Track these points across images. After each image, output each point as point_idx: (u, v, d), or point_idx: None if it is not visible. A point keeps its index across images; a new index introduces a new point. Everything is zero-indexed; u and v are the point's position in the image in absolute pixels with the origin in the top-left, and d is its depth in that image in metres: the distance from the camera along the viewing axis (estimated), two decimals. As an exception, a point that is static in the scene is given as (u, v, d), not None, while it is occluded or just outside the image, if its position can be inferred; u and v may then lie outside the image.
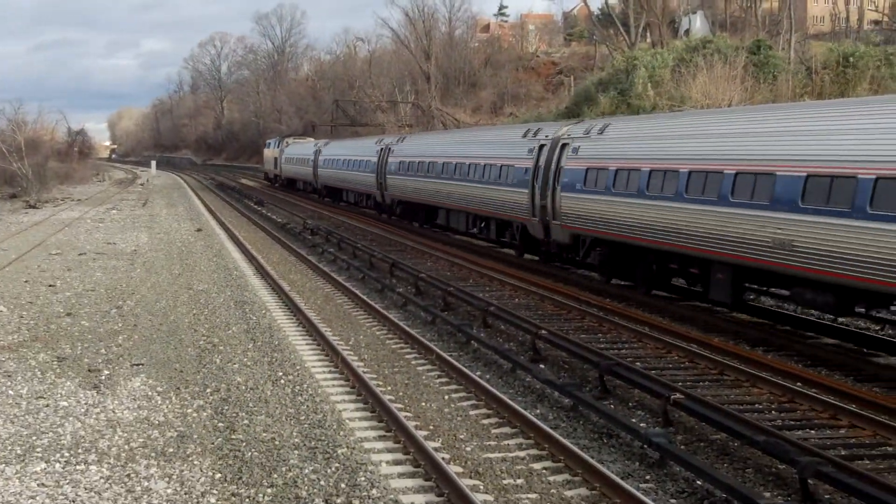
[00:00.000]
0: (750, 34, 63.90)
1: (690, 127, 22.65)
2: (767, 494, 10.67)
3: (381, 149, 48.22)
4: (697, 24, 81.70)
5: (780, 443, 11.16)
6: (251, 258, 32.05)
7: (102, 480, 11.11)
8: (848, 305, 17.29)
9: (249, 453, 12.02)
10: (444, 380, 15.95)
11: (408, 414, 13.69)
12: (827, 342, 18.46)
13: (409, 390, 15.29)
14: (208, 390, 15.15)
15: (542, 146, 28.58)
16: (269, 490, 10.74)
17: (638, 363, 16.31)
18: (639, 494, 10.14)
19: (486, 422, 13.53)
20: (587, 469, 11.10)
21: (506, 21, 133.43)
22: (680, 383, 14.79)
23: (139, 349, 18.23)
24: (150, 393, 15.03)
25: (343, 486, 10.82)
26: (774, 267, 17.97)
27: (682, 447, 12.17)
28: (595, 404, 13.66)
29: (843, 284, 16.39)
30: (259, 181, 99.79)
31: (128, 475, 11.28)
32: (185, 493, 10.68)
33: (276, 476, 11.19)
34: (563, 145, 27.10)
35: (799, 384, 14.99)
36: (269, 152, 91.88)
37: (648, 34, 79.67)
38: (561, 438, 12.13)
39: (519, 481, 11.11)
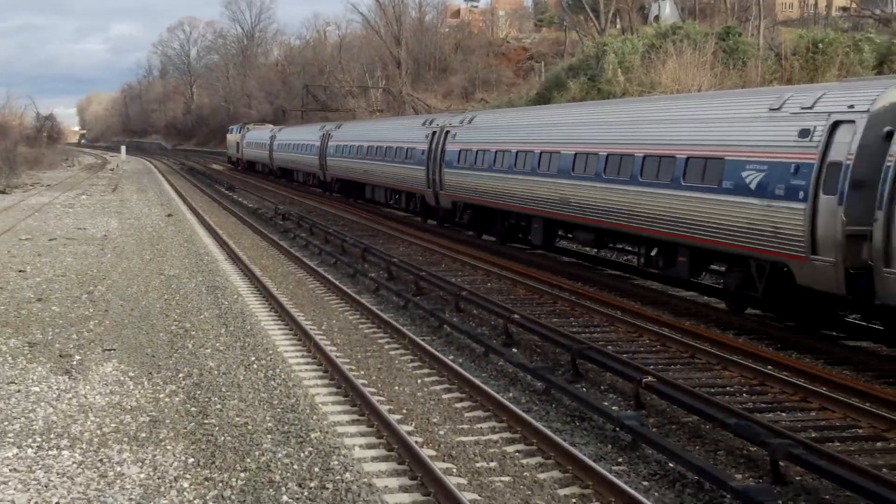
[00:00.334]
0: (719, 20, 64.08)
1: (516, 120, 31.30)
2: (739, 476, 10.75)
3: (323, 134, 55.14)
4: (667, 11, 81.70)
5: (752, 425, 11.25)
6: (222, 243, 31.92)
7: (75, 465, 11.04)
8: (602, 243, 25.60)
9: (222, 438, 11.98)
10: (416, 364, 15.97)
11: (381, 398, 13.70)
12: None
13: (382, 374, 15.30)
14: (180, 375, 15.09)
15: (434, 133, 35.29)
16: (242, 474, 10.72)
17: (610, 347, 16.40)
18: (611, 477, 10.19)
19: (459, 405, 13.57)
20: (560, 452, 11.14)
21: (476, 6, 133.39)
22: (651, 366, 14.89)
23: (111, 334, 18.12)
24: (122, 378, 14.94)
25: (316, 469, 10.81)
26: (567, 219, 25.23)
27: (654, 430, 12.22)
28: (567, 388, 13.73)
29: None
30: (228, 166, 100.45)
31: (100, 460, 11.21)
32: (158, 478, 10.63)
33: (249, 460, 11.16)
34: (447, 132, 34.01)
35: (770, 367, 15.08)
36: (231, 137, 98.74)
37: (619, 20, 79.82)
38: (533, 421, 12.17)
39: (492, 464, 11.14)
